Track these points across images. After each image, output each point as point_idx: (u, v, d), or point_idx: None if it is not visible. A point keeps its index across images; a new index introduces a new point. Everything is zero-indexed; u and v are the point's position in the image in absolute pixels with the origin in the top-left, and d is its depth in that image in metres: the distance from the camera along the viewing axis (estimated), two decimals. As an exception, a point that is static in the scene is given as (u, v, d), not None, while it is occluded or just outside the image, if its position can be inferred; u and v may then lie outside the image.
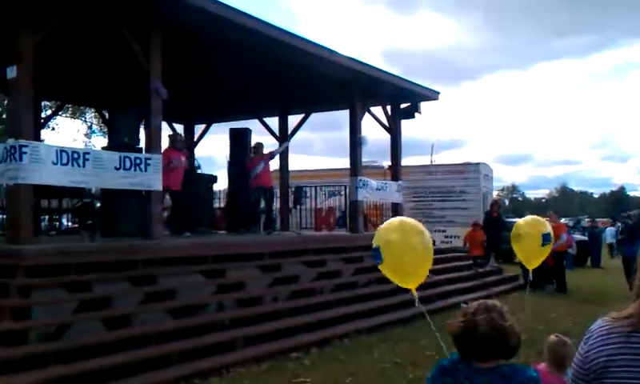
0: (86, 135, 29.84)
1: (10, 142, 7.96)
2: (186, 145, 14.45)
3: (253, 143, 14.77)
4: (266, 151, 14.30)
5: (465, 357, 2.57)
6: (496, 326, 2.48)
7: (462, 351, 2.57)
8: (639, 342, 1.71)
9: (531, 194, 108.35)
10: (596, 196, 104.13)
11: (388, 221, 5.91)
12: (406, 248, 5.37)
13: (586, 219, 32.66)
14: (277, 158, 15.88)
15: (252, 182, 13.78)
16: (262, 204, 14.12)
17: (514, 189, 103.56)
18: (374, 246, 5.41)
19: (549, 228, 7.78)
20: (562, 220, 23.10)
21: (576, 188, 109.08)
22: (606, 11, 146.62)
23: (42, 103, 16.98)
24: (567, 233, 17.59)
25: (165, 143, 10.90)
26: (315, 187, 17.84)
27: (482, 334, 2.48)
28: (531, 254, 7.90)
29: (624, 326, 1.73)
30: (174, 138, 12.78)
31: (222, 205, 16.99)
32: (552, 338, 4.41)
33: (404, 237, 5.40)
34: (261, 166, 13.88)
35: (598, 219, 31.61)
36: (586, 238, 24.55)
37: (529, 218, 8.47)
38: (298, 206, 16.56)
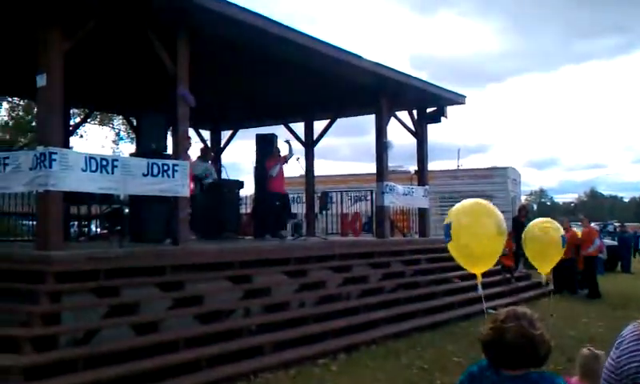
0: (114, 142, 30.11)
1: (40, 149, 8.06)
2: (213, 156, 14.56)
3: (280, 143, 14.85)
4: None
5: (493, 364, 2.54)
6: (525, 334, 2.44)
7: (491, 358, 2.54)
8: None
9: (560, 199, 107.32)
10: (626, 200, 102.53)
11: (461, 202, 5.81)
12: (476, 231, 5.33)
13: (616, 224, 32.14)
14: (302, 163, 15.91)
15: (269, 184, 13.88)
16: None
17: (542, 193, 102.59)
18: (446, 222, 5.40)
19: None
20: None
21: (605, 192, 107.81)
22: (633, 12, 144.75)
23: (71, 111, 17.20)
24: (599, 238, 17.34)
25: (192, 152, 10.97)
26: (341, 192, 17.82)
27: (510, 341, 2.45)
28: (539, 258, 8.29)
29: None
30: (204, 150, 12.92)
31: (249, 210, 17.04)
32: (584, 351, 4.28)
33: (475, 220, 5.34)
34: (277, 168, 13.92)
35: (627, 224, 31.13)
36: (615, 243, 24.20)
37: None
38: (324, 212, 16.54)
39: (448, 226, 5.39)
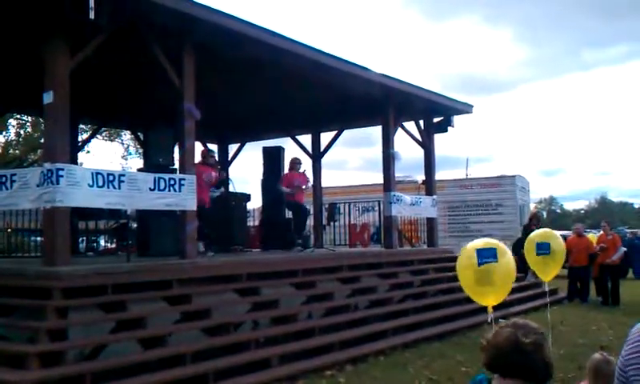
0: (123, 157, 30.28)
1: (47, 165, 8.11)
2: (218, 163, 14.48)
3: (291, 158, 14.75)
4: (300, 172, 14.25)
5: (487, 369, 2.55)
6: (513, 340, 2.43)
7: (484, 363, 2.56)
8: None
9: (570, 206, 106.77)
10: (637, 206, 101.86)
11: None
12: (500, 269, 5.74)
13: (627, 230, 31.98)
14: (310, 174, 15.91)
15: (293, 196, 13.79)
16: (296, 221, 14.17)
17: (551, 201, 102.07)
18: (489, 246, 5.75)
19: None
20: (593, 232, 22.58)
21: (615, 199, 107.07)
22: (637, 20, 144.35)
23: (79, 126, 17.31)
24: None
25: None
26: (349, 203, 17.83)
27: (498, 345, 2.46)
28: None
29: None
30: (204, 153, 12.92)
31: (257, 223, 17.07)
32: (596, 356, 4.25)
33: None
34: (297, 181, 13.91)
35: (636, 230, 30.90)
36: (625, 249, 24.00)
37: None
38: (332, 223, 16.55)
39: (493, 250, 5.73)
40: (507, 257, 5.85)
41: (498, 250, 5.77)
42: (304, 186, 14.06)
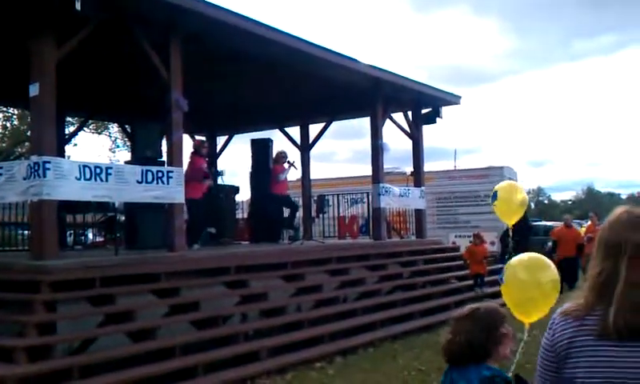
0: (111, 150, 30.11)
1: (34, 158, 8.06)
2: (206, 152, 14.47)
3: (277, 151, 14.77)
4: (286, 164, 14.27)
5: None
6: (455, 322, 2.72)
7: None
8: (592, 324, 1.84)
9: (557, 197, 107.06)
10: (623, 197, 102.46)
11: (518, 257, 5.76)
12: (532, 285, 5.46)
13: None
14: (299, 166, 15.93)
15: (276, 188, 13.83)
16: (286, 213, 14.18)
17: (539, 191, 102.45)
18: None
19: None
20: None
21: (603, 189, 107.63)
22: (627, 11, 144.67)
23: (66, 119, 17.19)
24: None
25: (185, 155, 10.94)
26: (338, 195, 17.82)
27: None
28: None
29: (579, 311, 1.89)
30: (200, 144, 12.90)
31: (245, 215, 17.05)
32: None
33: (531, 275, 5.48)
34: (286, 173, 13.95)
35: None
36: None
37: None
38: (321, 215, 16.55)
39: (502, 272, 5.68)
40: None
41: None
42: (281, 174, 13.99)
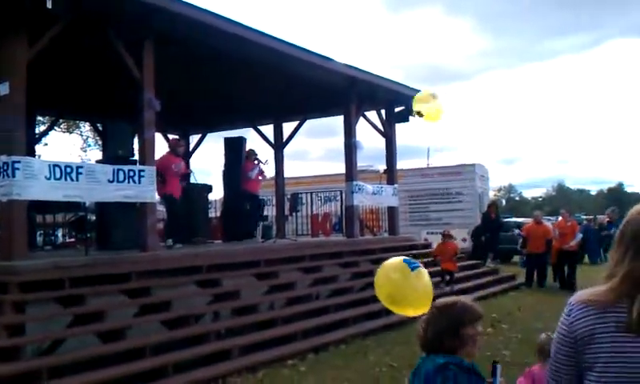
0: (82, 149, 29.81)
1: (3, 158, 7.98)
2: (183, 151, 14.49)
3: (248, 149, 14.89)
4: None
5: None
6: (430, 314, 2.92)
7: None
8: (614, 316, 1.86)
9: (528, 194, 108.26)
10: (593, 193, 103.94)
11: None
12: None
13: (583, 216, 32.69)
14: (272, 164, 15.99)
15: (245, 185, 13.94)
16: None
17: (510, 189, 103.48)
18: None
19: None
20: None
21: (573, 186, 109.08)
22: (599, 10, 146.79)
23: (37, 118, 17.00)
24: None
25: (158, 153, 10.93)
26: (311, 193, 17.87)
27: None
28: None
29: (600, 302, 1.91)
30: (175, 143, 12.88)
31: (218, 214, 17.02)
32: (543, 336, 4.45)
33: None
34: (255, 171, 14.03)
35: (600, 216, 31.56)
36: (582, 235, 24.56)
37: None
38: (294, 213, 16.59)
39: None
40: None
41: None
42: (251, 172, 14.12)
